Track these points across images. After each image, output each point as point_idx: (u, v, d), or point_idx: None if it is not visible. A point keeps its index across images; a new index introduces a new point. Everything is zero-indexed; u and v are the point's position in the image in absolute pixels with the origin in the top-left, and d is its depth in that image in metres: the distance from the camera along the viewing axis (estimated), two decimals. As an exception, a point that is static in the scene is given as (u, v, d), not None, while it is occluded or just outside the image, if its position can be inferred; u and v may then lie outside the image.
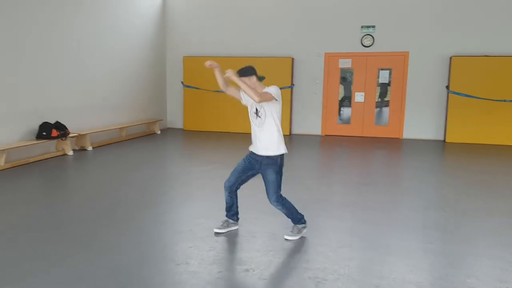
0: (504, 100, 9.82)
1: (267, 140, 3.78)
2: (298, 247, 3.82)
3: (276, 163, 3.78)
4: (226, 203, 4.12)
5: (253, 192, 5.44)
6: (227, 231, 4.09)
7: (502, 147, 9.63)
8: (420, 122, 10.63)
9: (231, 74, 3.63)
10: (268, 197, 3.86)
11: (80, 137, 8.37)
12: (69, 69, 8.32)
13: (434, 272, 3.29)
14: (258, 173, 3.92)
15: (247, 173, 3.95)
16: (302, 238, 3.98)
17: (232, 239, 3.94)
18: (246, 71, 3.78)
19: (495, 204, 5.16)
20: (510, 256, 3.60)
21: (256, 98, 3.56)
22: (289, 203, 3.95)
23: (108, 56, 9.51)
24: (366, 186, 6.03)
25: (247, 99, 3.89)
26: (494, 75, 9.84)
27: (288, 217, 4.01)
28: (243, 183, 4.03)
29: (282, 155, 3.82)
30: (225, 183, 4.02)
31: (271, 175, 3.78)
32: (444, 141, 10.35)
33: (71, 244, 3.78)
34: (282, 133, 3.84)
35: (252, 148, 3.94)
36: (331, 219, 4.56)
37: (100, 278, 3.13)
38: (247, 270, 3.28)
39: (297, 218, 4.00)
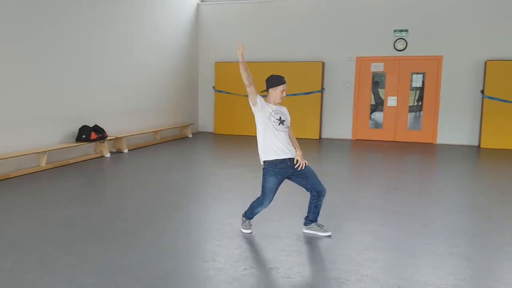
0: (543, 105, 9.52)
1: (290, 143, 4.00)
2: (323, 248, 3.90)
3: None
4: (258, 213, 4.16)
5: (285, 195, 5.55)
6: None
7: (541, 153, 9.32)
8: (454, 127, 10.43)
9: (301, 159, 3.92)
10: (319, 188, 3.97)
11: (117, 140, 8.72)
12: (108, 76, 8.71)
13: (457, 275, 3.29)
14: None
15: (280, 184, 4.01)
16: (328, 240, 4.05)
17: (258, 239, 4.06)
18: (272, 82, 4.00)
19: (528, 211, 5.05)
20: (539, 263, 3.55)
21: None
22: None
23: (144, 63, 9.87)
24: (396, 191, 6.01)
25: (266, 110, 3.94)
26: (532, 79, 9.56)
27: (318, 212, 4.10)
28: None
29: None
30: (264, 204, 4.00)
31: (310, 168, 3.99)
32: (478, 146, 10.11)
33: (107, 240, 4.01)
34: None
35: (281, 156, 3.88)
36: (358, 222, 4.60)
37: (133, 272, 3.32)
38: (271, 269, 3.39)
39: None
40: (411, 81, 10.79)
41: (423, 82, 10.71)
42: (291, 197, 5.36)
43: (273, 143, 3.88)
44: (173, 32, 11.04)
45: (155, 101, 10.45)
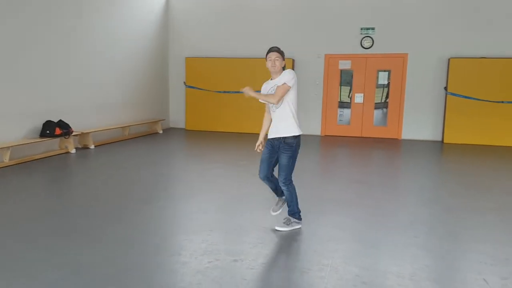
0: (502, 102, 9.92)
1: (282, 123, 4.02)
2: (287, 240, 3.97)
3: (292, 147, 4.01)
4: (271, 188, 4.33)
5: (256, 190, 5.62)
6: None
7: (499, 148, 9.72)
8: (418, 123, 10.75)
9: (247, 90, 3.92)
10: (278, 176, 4.10)
11: (82, 135, 8.56)
12: (73, 68, 8.53)
13: (415, 264, 3.43)
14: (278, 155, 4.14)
15: (274, 157, 4.14)
16: (292, 232, 4.13)
17: (224, 233, 4.10)
18: (282, 53, 4.07)
19: (486, 203, 5.26)
20: (492, 251, 3.72)
21: (274, 101, 3.92)
22: (295, 191, 4.16)
23: (112, 56, 9.72)
24: (361, 185, 6.16)
25: (265, 90, 4.12)
26: (491, 77, 9.95)
27: (288, 205, 4.20)
28: (274, 166, 4.22)
29: (296, 137, 4.03)
30: (259, 175, 4.20)
31: (285, 159, 4.04)
32: (442, 141, 10.46)
33: (72, 236, 3.96)
34: (296, 117, 4.07)
35: (269, 134, 4.14)
36: (323, 215, 4.70)
37: (98, 267, 3.30)
38: (236, 261, 3.44)
39: (294, 210, 4.21)
40: (377, 78, 11.04)
41: (388, 79, 10.96)
42: (259, 191, 5.42)
43: (272, 123, 4.13)
44: (141, 25, 10.90)
45: (124, 96, 10.30)
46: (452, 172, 7.32)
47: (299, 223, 4.24)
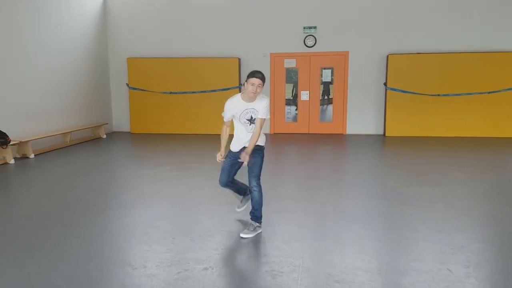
0: (438, 95, 10.53)
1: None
2: (254, 243, 3.94)
3: (261, 149, 4.14)
4: (233, 191, 4.49)
5: (213, 193, 5.54)
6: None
7: (437, 138, 10.31)
8: (361, 118, 11.15)
9: (246, 158, 3.99)
10: (249, 178, 4.11)
11: (21, 144, 8.00)
12: (8, 74, 7.93)
13: (381, 258, 3.53)
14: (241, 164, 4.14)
15: (235, 167, 4.24)
16: (257, 235, 4.10)
17: (189, 240, 3.98)
18: (264, 80, 3.95)
19: (433, 192, 5.56)
20: (449, 239, 3.92)
21: (259, 137, 4.06)
22: (262, 195, 4.16)
23: (48, 59, 9.15)
24: (314, 181, 6.27)
25: (236, 112, 4.05)
26: (427, 72, 10.52)
27: (254, 208, 4.16)
28: (234, 175, 4.33)
29: (264, 146, 4.23)
30: (220, 182, 4.29)
31: (258, 158, 4.10)
32: (384, 135, 10.91)
33: (20, 253, 3.66)
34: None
35: (234, 148, 4.19)
36: (284, 214, 4.73)
37: (56, 286, 3.08)
38: (206, 269, 3.35)
39: (258, 215, 4.19)
40: (321, 76, 11.30)
41: (332, 76, 11.26)
42: (217, 194, 5.35)
43: (238, 138, 4.16)
44: (79, 27, 10.36)
45: (63, 101, 9.75)
46: (397, 164, 7.65)
47: (260, 227, 4.22)
